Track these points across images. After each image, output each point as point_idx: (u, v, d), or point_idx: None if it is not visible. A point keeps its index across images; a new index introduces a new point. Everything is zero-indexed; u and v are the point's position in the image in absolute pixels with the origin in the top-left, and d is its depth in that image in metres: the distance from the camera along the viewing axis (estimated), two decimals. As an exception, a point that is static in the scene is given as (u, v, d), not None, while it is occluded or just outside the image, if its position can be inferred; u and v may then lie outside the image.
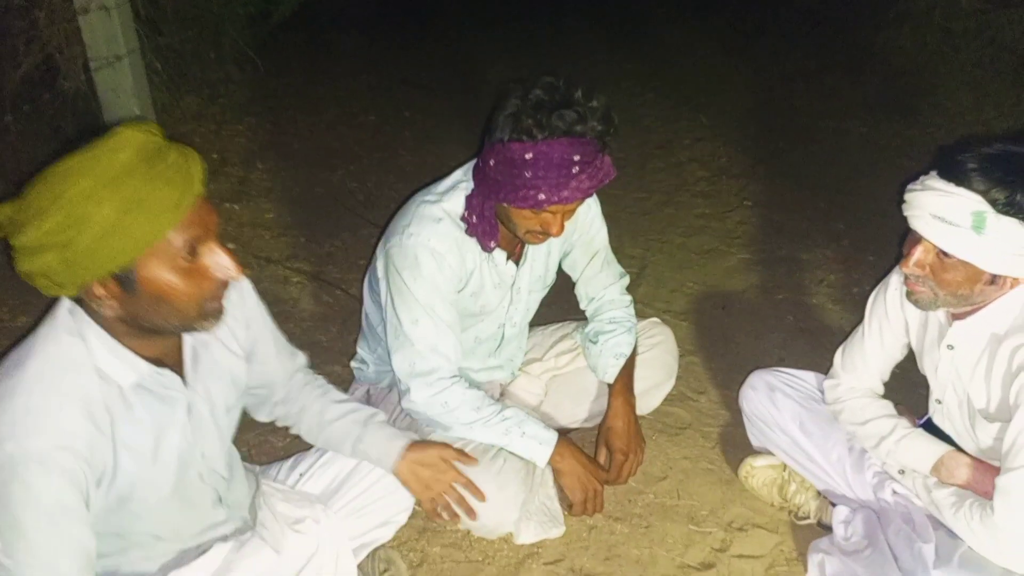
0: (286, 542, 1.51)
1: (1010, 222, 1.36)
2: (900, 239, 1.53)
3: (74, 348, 1.16)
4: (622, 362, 1.98)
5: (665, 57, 6.08)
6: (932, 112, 4.60)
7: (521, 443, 1.79)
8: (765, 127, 4.70)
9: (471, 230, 1.72)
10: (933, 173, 1.46)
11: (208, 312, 1.20)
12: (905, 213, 1.48)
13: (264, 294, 2.76)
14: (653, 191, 3.90)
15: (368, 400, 2.06)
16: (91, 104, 3.51)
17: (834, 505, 1.84)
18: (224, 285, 1.20)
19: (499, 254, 1.81)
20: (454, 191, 1.74)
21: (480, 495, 1.70)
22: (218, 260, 1.17)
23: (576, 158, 1.54)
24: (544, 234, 1.66)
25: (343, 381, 2.15)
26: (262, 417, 1.67)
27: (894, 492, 1.72)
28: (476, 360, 2.01)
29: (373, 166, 4.06)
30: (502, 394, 2.11)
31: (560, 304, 2.32)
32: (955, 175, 1.39)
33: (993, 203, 1.35)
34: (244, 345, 1.44)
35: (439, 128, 4.46)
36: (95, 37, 3.35)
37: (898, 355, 1.81)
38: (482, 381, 2.05)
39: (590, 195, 1.61)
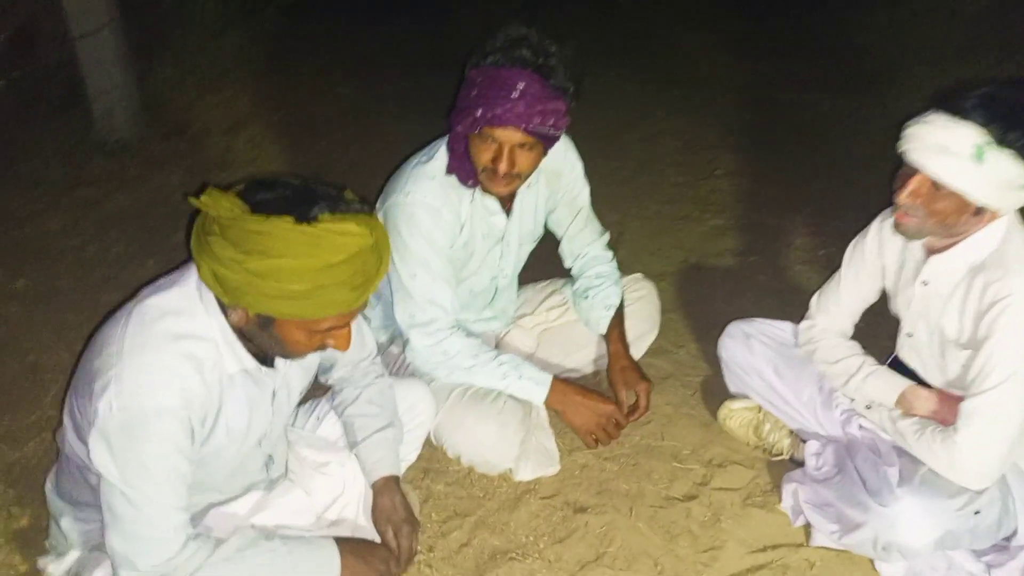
0: (314, 484, 1.63)
1: (1006, 156, 1.49)
2: (889, 177, 1.64)
3: (205, 324, 1.30)
4: (612, 313, 2.12)
5: (637, 33, 6.19)
6: (890, 87, 4.79)
7: (519, 385, 1.92)
8: (734, 101, 4.85)
9: (451, 168, 1.82)
10: (932, 110, 1.57)
11: (307, 354, 1.38)
12: (901, 148, 1.59)
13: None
14: (627, 160, 4.03)
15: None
16: (71, 74, 3.53)
17: (805, 442, 2.00)
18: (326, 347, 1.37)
19: (491, 203, 1.92)
20: (441, 148, 1.85)
21: None
22: (342, 337, 1.33)
23: (520, 85, 1.64)
24: (499, 176, 1.74)
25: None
26: (321, 380, 1.76)
27: (861, 427, 1.88)
28: (472, 312, 2.13)
29: (356, 135, 4.13)
30: (497, 346, 2.23)
31: (547, 264, 2.44)
32: (957, 110, 1.51)
33: (992, 136, 1.48)
34: None
35: (421, 99, 4.51)
36: (76, 6, 3.36)
37: (872, 298, 1.96)
38: (478, 332, 2.17)
39: (525, 126, 1.66)
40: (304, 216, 1.19)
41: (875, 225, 1.88)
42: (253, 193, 1.23)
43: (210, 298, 1.30)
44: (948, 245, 1.66)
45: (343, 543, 1.50)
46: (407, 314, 1.90)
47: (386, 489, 1.64)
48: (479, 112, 1.66)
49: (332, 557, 1.45)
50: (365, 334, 1.74)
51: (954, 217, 1.59)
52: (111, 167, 3.35)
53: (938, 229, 1.62)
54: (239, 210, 1.19)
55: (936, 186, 1.57)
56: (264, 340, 1.32)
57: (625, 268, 2.99)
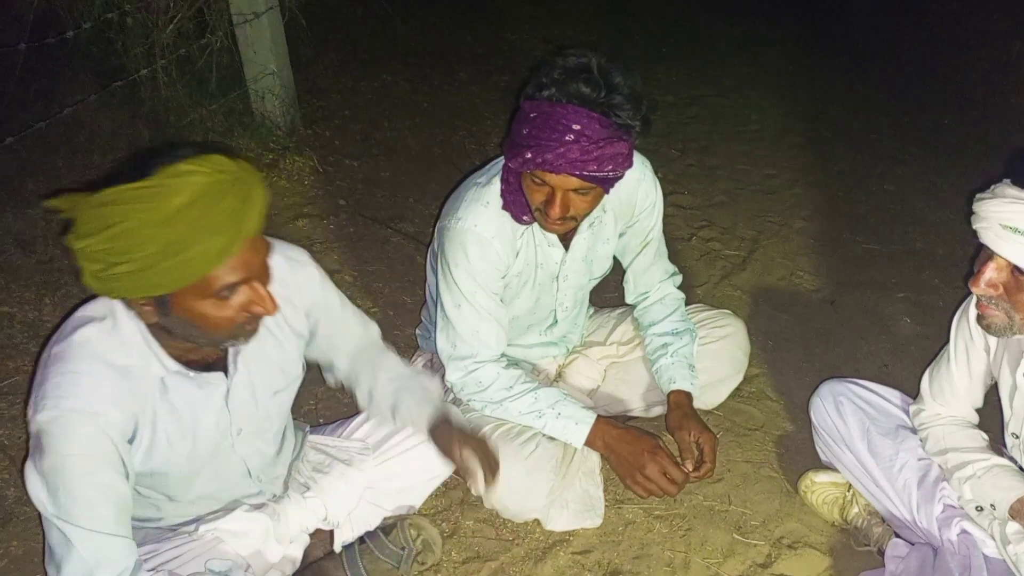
0: (302, 500, 1.58)
1: None
2: (973, 255, 1.34)
3: (128, 329, 1.24)
4: (695, 372, 1.89)
5: (829, 15, 5.61)
6: None
7: (555, 424, 1.75)
8: (933, 98, 4.25)
9: (505, 204, 1.67)
10: (1006, 180, 1.26)
11: (239, 334, 1.25)
12: (975, 226, 1.30)
13: (362, 254, 2.88)
14: (784, 168, 3.64)
15: (431, 367, 2.08)
16: (234, 59, 3.73)
17: (897, 535, 1.67)
18: (258, 316, 1.24)
19: (549, 234, 1.75)
20: (499, 171, 1.70)
21: None
22: (253, 298, 1.20)
23: (575, 127, 1.45)
24: (551, 219, 1.57)
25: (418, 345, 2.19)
26: (329, 381, 1.73)
27: (963, 531, 1.53)
28: (529, 337, 1.98)
29: (497, 128, 4.06)
30: (559, 375, 2.06)
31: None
32: None
33: None
34: (301, 330, 1.48)
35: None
36: (237, -7, 3.53)
37: (988, 380, 1.59)
38: (536, 358, 2.02)
39: (580, 173, 1.49)
40: (139, 175, 1.09)
41: None
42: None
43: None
44: None
45: None
46: (449, 343, 1.79)
47: (444, 426, 1.57)
48: (529, 154, 1.50)
49: None
50: (366, 317, 1.66)
51: None
52: (253, 150, 3.50)
53: None
54: (81, 198, 1.11)
55: (1018, 272, 1.22)
56: (181, 328, 1.21)
57: (744, 292, 2.72)
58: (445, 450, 1.58)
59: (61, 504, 1.20)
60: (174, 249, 1.09)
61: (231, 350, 1.35)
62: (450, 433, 1.58)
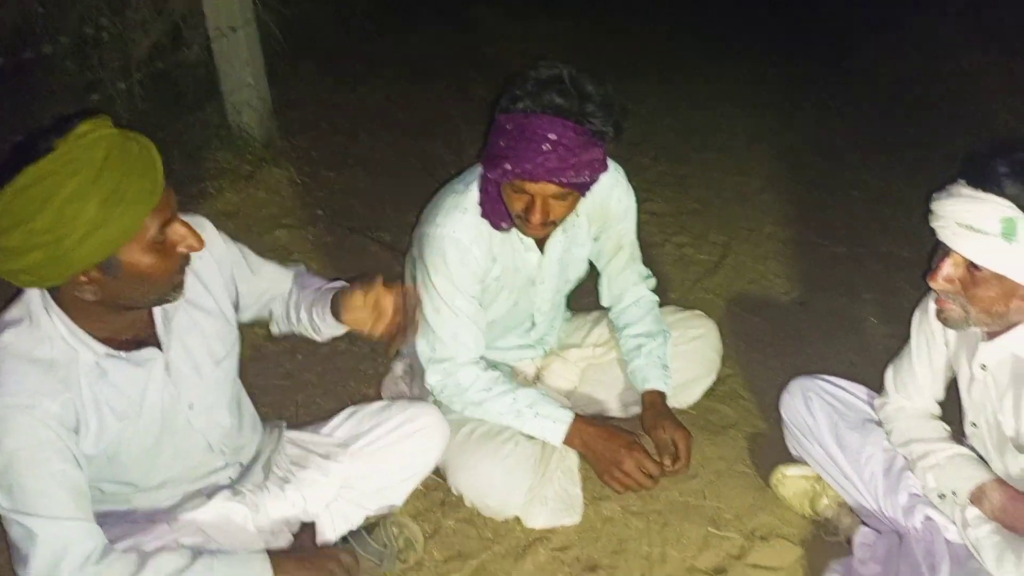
0: (279, 495, 1.60)
1: None
2: (930, 253, 1.41)
3: (47, 324, 1.27)
4: (668, 372, 1.94)
5: (796, 30, 5.73)
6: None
7: (534, 423, 1.80)
8: (897, 108, 4.36)
9: (484, 212, 1.72)
10: (960, 180, 1.33)
11: (177, 284, 1.33)
12: (932, 225, 1.36)
13: (339, 262, 2.90)
14: (755, 175, 3.72)
15: (411, 373, 2.12)
16: (210, 72, 3.75)
17: (865, 524, 1.73)
18: (187, 258, 1.31)
19: (526, 240, 1.80)
20: (476, 178, 1.75)
21: None
22: (183, 235, 1.27)
23: (551, 136, 1.50)
24: (532, 224, 1.62)
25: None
26: (275, 331, 1.72)
27: (926, 518, 1.59)
28: (507, 340, 2.02)
29: (472, 139, 4.10)
30: (537, 377, 2.11)
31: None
32: (983, 180, 1.28)
33: (1022, 208, 1.23)
34: (226, 290, 1.51)
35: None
36: (214, 8, 3.55)
37: (948, 373, 1.66)
38: (514, 360, 2.06)
39: (558, 180, 1.54)
40: (42, 153, 1.13)
41: None
42: None
43: (47, 297, 1.27)
44: (1005, 329, 1.36)
45: (278, 555, 1.43)
46: (428, 346, 1.83)
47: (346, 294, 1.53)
48: (508, 165, 1.55)
49: (263, 572, 1.38)
50: (281, 268, 1.68)
51: (1001, 304, 1.31)
52: (231, 162, 3.52)
53: (985, 319, 1.35)
54: None
55: (973, 268, 1.29)
56: (130, 290, 1.25)
57: (716, 295, 2.78)
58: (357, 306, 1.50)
59: (17, 498, 1.22)
60: (116, 197, 1.14)
61: (160, 324, 1.38)
62: (353, 289, 1.52)
